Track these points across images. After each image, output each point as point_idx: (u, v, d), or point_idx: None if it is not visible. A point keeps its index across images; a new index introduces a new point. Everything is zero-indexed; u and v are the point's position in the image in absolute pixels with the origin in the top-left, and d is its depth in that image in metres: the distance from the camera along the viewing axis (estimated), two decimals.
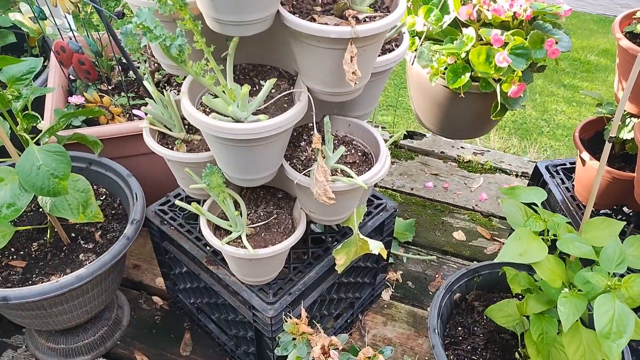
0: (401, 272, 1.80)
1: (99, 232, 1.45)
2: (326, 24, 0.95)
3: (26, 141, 1.22)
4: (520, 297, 1.37)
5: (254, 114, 1.04)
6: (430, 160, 2.30)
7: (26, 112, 1.25)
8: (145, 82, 1.23)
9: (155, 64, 1.91)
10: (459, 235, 1.94)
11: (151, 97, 1.23)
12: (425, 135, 2.43)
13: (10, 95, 1.23)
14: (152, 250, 1.62)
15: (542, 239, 1.09)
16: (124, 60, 1.89)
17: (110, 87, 1.87)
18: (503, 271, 1.22)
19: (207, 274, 1.38)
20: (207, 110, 1.10)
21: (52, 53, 1.82)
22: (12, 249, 1.40)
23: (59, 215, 1.26)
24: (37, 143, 1.24)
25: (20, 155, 1.24)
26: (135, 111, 1.72)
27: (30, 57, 2.09)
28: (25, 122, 1.24)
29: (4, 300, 1.18)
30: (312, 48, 0.96)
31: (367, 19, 0.97)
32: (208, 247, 1.36)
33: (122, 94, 1.83)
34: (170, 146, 1.26)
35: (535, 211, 1.14)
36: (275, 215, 1.29)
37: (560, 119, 3.38)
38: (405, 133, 2.45)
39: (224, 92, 0.99)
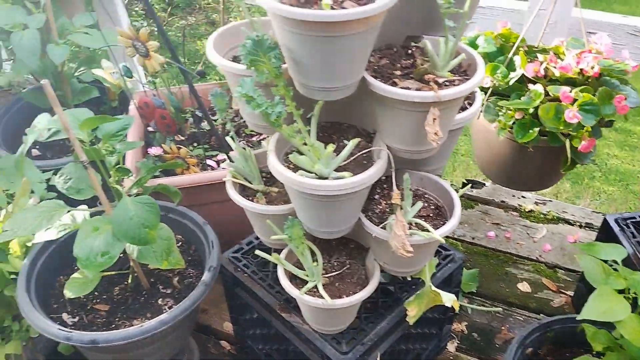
0: (466, 323, 1.79)
1: (177, 278, 1.51)
2: (408, 87, 1.01)
3: (119, 193, 1.31)
4: (595, 353, 1.34)
5: (336, 170, 1.10)
6: (491, 210, 2.30)
7: (119, 165, 1.35)
8: (228, 139, 1.31)
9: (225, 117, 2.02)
10: (523, 287, 1.92)
11: (227, 151, 1.31)
12: (484, 184, 2.44)
13: (104, 150, 1.34)
14: (219, 295, 1.67)
15: (624, 297, 1.09)
16: (197, 113, 2.01)
17: (184, 138, 1.98)
18: (581, 328, 1.21)
19: (279, 320, 1.41)
20: (291, 166, 1.17)
21: (131, 106, 1.95)
22: (96, 293, 1.47)
23: (145, 262, 1.33)
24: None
25: (110, 205, 1.33)
26: (208, 161, 1.82)
27: (109, 109, 2.25)
28: (117, 174, 1.33)
29: (92, 343, 1.25)
30: (395, 110, 1.02)
31: (447, 83, 1.03)
32: (280, 295, 1.41)
33: (196, 144, 1.93)
34: (250, 198, 1.32)
35: (614, 268, 1.14)
36: (348, 265, 1.33)
37: (613, 163, 3.32)
38: (465, 182, 2.47)
39: (309, 150, 1.05)
